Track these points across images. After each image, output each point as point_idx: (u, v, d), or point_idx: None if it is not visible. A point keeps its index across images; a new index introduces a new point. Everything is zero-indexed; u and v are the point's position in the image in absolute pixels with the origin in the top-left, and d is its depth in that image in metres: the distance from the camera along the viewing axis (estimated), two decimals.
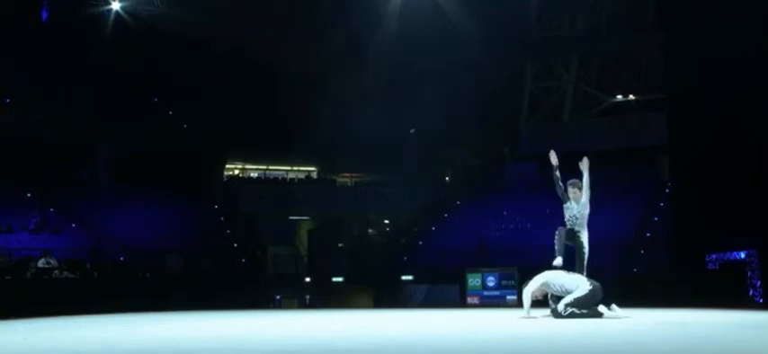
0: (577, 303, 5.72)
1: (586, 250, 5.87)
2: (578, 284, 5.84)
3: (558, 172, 6.11)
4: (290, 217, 22.18)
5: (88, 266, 12.76)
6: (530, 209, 16.95)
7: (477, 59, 18.78)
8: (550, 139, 20.48)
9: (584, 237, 5.90)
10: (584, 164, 5.99)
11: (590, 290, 5.76)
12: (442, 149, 22.47)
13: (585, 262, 5.89)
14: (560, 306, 5.77)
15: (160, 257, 14.57)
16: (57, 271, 11.55)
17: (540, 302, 6.14)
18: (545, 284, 5.88)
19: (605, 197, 16.85)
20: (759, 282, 10.08)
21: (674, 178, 13.37)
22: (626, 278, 12.10)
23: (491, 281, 14.19)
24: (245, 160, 23.68)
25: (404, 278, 16.67)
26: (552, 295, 6.05)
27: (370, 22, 17.97)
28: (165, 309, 10.08)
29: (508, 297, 13.75)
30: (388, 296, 16.00)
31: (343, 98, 19.43)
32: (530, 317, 5.82)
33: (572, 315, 5.77)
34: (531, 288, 5.86)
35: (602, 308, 5.85)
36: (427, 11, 17.72)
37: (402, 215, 21.34)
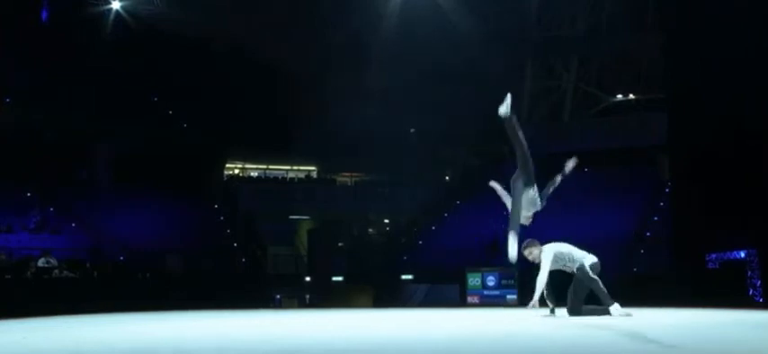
0: (593, 269, 5.77)
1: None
2: (584, 253, 5.86)
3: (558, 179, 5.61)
4: (290, 217, 22.19)
5: (88, 266, 12.71)
6: None
7: (476, 59, 18.75)
8: (550, 139, 20.50)
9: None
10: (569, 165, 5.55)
11: (596, 261, 5.81)
12: (442, 149, 22.40)
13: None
14: (581, 275, 5.67)
15: (160, 257, 14.54)
16: (56, 271, 11.51)
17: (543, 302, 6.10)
18: (555, 258, 5.84)
19: (605, 197, 16.94)
20: (759, 282, 10.06)
21: (674, 178, 13.33)
22: (626, 278, 12.04)
23: (491, 281, 14.17)
24: (245, 159, 23.68)
25: (404, 277, 16.67)
26: (548, 294, 6.01)
27: (370, 21, 17.94)
28: (165, 309, 10.05)
29: (508, 297, 13.75)
30: (387, 295, 16.01)
31: (343, 97, 19.36)
32: (533, 307, 5.75)
33: (585, 312, 5.75)
34: (544, 276, 5.84)
35: (613, 309, 5.84)
36: (427, 10, 17.68)
37: (402, 214, 21.33)
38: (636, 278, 12.59)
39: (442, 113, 19.19)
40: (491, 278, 14.18)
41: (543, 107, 21.34)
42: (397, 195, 21.34)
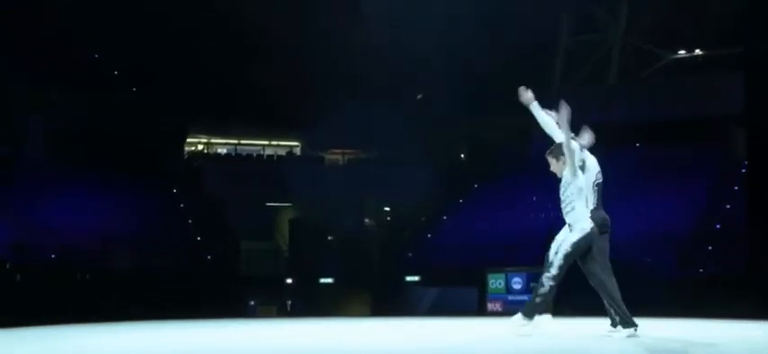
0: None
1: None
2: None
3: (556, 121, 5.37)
4: (268, 204, 22.11)
5: (8, 266, 12.53)
6: None
7: (500, 6, 18.33)
8: (591, 107, 20.18)
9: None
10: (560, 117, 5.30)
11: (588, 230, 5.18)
12: (456, 120, 22.26)
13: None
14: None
15: (104, 253, 14.47)
16: None
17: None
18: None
19: (662, 180, 16.61)
20: None
21: (752, 155, 13.06)
22: (690, 283, 11.94)
23: (517, 283, 14.08)
24: (211, 133, 23.42)
25: (408, 279, 16.70)
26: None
27: None
28: (109, 319, 9.92)
29: None
30: (388, 301, 16.03)
31: (332, 54, 19.03)
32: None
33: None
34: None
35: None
36: None
37: (406, 201, 21.16)
38: (702, 282, 12.47)
39: (457, 74, 18.86)
40: (517, 279, 14.09)
41: (583, 67, 21.01)
42: (399, 177, 21.09)
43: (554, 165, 5.42)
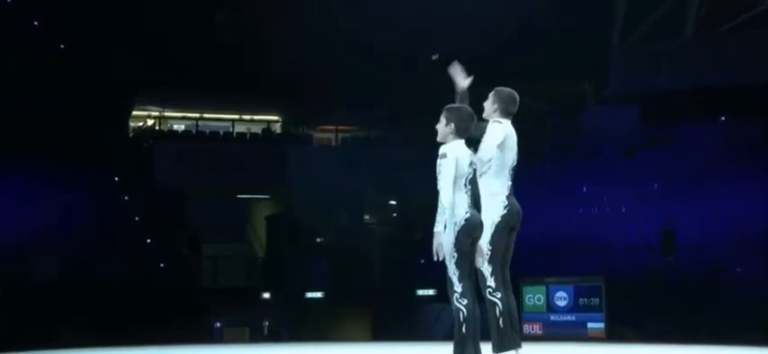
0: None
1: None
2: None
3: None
4: (239, 196, 22.20)
5: None
6: (626, 182, 16.60)
7: None
8: (661, 69, 19.88)
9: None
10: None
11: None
12: (483, 87, 21.94)
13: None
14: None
15: (21, 261, 14.59)
16: None
17: None
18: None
19: (757, 164, 16.27)
20: None
21: None
22: None
23: (562, 299, 14.23)
24: (165, 104, 23.40)
25: (420, 292, 16.95)
26: None
27: None
28: (26, 347, 9.98)
29: (590, 325, 13.83)
30: (394, 321, 16.21)
31: (326, 4, 18.67)
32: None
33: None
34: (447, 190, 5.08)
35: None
36: None
37: (417, 192, 20.97)
38: None
39: (485, 29, 18.58)
40: (562, 294, 14.28)
41: (649, 19, 20.63)
42: (408, 161, 20.96)
43: (440, 127, 5.17)
